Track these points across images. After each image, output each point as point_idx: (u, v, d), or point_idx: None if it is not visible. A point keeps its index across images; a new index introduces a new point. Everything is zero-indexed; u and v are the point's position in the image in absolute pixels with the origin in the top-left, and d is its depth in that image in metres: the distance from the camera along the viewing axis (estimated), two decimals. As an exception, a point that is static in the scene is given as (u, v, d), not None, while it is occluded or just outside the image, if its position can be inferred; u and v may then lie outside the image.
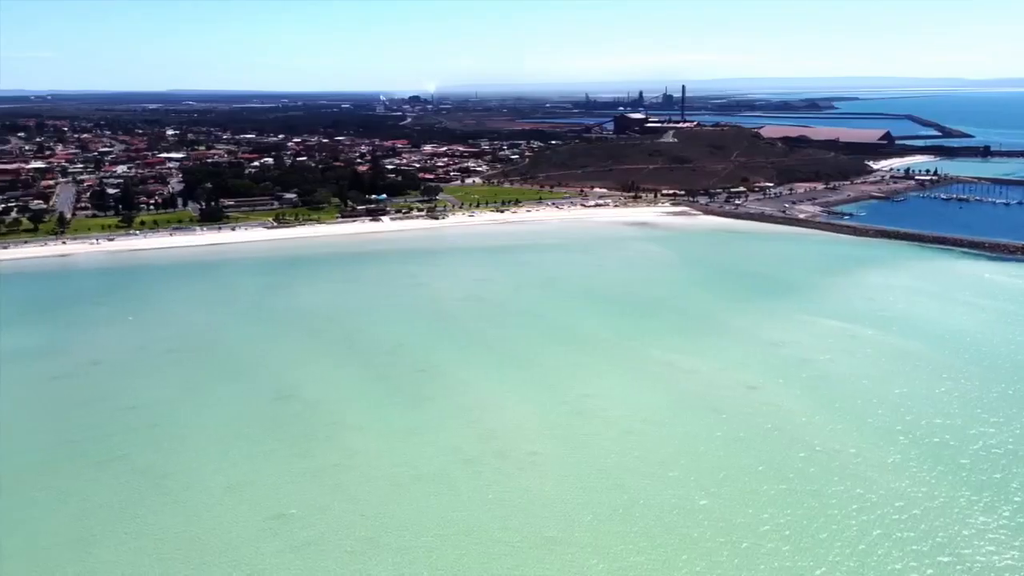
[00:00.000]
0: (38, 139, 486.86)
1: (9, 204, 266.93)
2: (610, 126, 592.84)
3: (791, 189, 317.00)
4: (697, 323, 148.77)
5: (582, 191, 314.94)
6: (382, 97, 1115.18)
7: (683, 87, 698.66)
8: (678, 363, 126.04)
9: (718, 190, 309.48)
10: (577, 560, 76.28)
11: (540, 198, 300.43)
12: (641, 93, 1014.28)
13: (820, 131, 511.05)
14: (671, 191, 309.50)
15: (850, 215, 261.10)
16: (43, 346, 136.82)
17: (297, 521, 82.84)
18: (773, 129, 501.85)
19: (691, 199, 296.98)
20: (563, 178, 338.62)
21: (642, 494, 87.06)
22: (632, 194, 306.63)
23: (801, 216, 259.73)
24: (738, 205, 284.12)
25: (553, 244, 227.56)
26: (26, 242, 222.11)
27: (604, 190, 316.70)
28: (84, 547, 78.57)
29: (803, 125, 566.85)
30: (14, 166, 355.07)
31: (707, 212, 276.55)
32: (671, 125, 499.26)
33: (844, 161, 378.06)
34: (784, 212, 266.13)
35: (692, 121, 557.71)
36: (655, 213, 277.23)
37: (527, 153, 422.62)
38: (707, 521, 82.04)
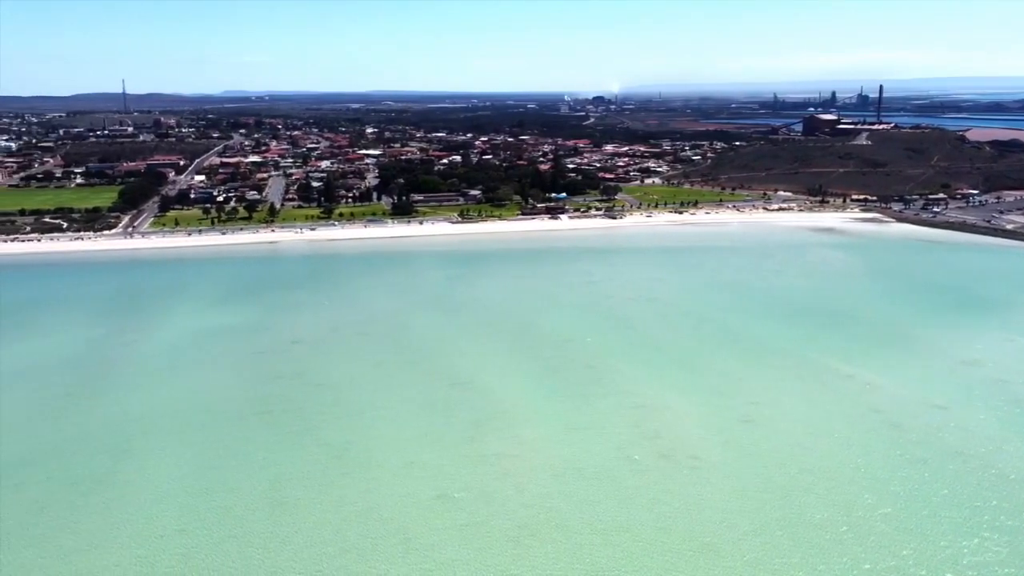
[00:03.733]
0: (256, 136, 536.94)
1: (229, 195, 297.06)
2: (798, 127, 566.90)
3: (999, 197, 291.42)
4: (882, 336, 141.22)
5: (765, 194, 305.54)
6: (566, 97, 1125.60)
7: (880, 87, 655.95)
8: (858, 376, 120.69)
9: (914, 196, 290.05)
10: (734, 569, 75.58)
11: (720, 200, 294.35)
12: (834, 93, 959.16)
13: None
14: (861, 196, 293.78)
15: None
16: (252, 324, 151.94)
17: (462, 504, 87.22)
18: (981, 132, 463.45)
19: (883, 205, 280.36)
20: (745, 180, 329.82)
21: (809, 509, 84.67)
22: (819, 198, 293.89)
23: (1009, 227, 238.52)
24: (936, 213, 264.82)
25: (731, 247, 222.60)
26: (241, 229, 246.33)
27: (789, 193, 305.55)
28: (275, 509, 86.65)
29: (1017, 128, 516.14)
30: (235, 160, 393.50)
31: (900, 219, 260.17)
32: (865, 127, 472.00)
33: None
34: (989, 222, 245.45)
35: (888, 123, 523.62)
36: (843, 219, 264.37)
37: (709, 154, 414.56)
38: (880, 544, 78.56)
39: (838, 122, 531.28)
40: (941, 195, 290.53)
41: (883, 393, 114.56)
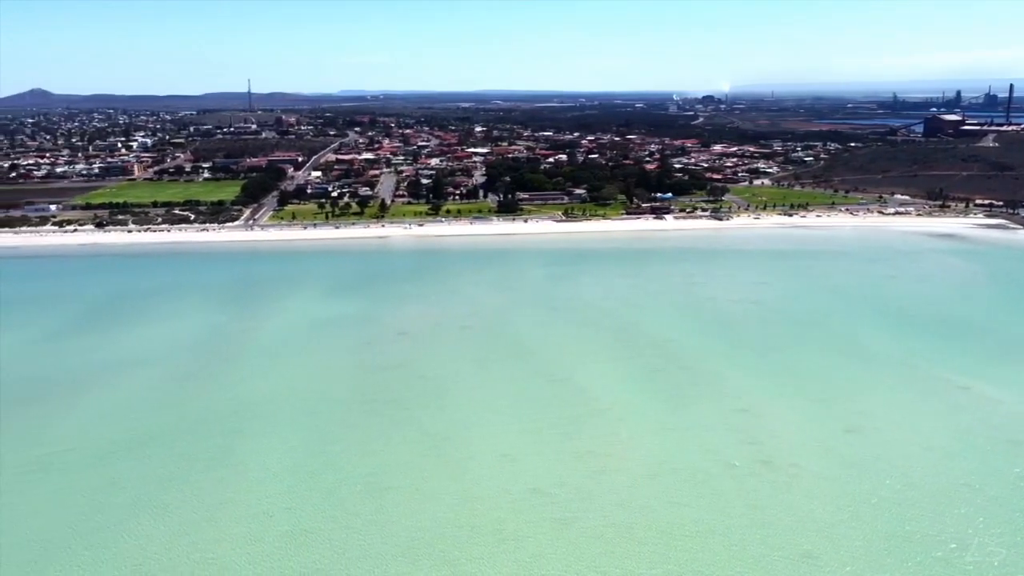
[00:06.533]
0: (370, 133, 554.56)
1: (343, 190, 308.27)
2: (919, 128, 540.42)
3: None
4: (1003, 349, 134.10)
5: (881, 197, 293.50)
6: (675, 97, 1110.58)
7: (1011, 86, 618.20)
8: (974, 389, 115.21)
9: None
10: (834, 580, 74.01)
11: (833, 203, 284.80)
12: (959, 93, 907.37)
13: None
14: (986, 201, 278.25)
15: None
16: (361, 315, 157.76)
17: (555, 499, 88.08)
18: None
19: (1010, 211, 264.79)
20: (860, 183, 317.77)
21: (915, 524, 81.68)
22: (939, 203, 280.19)
23: None
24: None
25: (843, 251, 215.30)
26: (353, 224, 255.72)
27: (906, 197, 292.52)
28: (376, 495, 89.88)
29: None
30: (349, 157, 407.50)
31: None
32: (992, 128, 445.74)
33: None
34: None
35: (1019, 123, 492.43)
36: (965, 225, 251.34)
37: (822, 155, 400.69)
38: (992, 565, 75.19)
39: (962, 123, 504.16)
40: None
41: (1001, 408, 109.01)
